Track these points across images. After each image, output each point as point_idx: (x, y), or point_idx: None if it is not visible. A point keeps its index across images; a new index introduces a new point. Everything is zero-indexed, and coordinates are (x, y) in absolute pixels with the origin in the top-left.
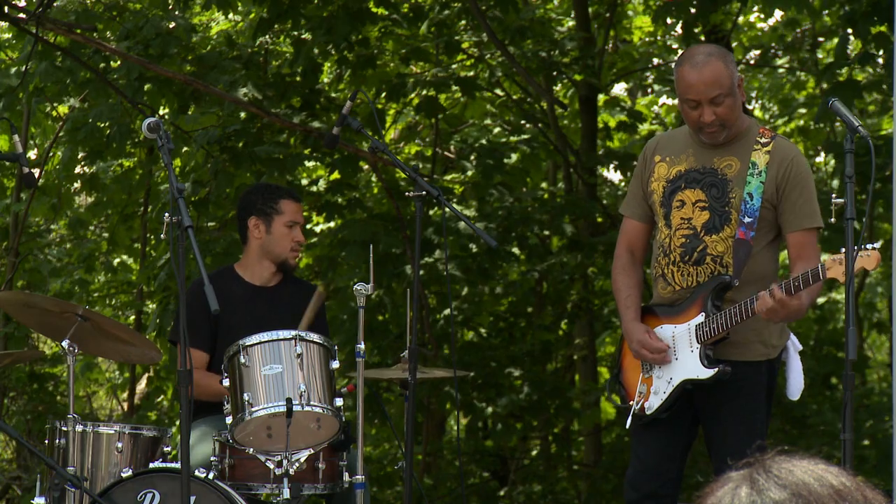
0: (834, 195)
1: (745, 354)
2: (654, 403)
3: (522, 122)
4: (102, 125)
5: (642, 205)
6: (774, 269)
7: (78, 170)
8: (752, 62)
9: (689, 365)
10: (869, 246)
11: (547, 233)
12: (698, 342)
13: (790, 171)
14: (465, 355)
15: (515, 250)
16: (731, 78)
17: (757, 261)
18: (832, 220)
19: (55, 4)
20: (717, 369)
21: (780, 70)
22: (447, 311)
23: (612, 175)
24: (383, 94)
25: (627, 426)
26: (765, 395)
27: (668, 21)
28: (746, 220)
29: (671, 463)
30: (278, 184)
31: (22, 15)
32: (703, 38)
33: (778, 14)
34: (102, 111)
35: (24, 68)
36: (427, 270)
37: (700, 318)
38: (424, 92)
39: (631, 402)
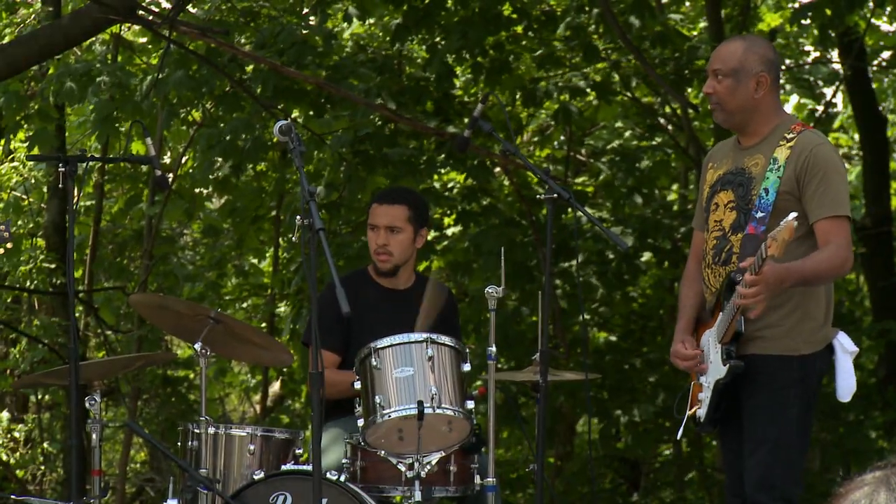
0: None
1: (770, 349)
2: (703, 410)
3: (653, 122)
4: (237, 139)
5: (703, 215)
6: None
7: (212, 175)
8: (884, 64)
9: (717, 366)
10: (790, 216)
11: (679, 235)
12: (719, 342)
13: (808, 162)
14: (599, 359)
15: (646, 255)
16: (741, 62)
17: (785, 256)
18: None
19: (190, 9)
20: (728, 365)
21: None
22: (581, 316)
23: None
24: (518, 100)
25: (678, 437)
26: (798, 391)
27: (804, 22)
28: (759, 214)
29: None
30: (399, 186)
31: (153, 18)
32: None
33: None
34: (238, 126)
35: (157, 74)
36: (562, 275)
37: (720, 317)
38: (561, 97)
39: (690, 412)
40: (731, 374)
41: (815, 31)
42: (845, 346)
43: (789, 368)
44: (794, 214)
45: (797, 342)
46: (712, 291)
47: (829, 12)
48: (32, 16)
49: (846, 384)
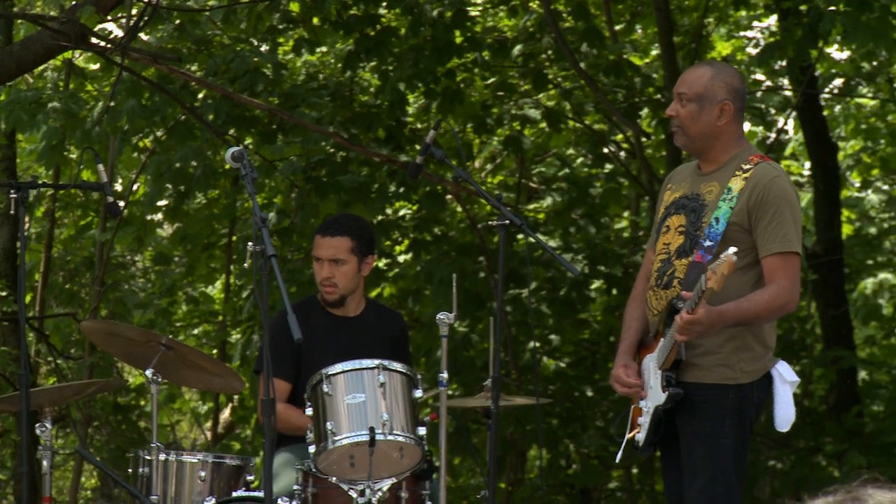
0: None
1: (706, 377)
2: (642, 435)
3: (605, 151)
4: (188, 166)
5: (655, 236)
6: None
7: (162, 202)
8: (835, 91)
9: (657, 392)
10: (729, 250)
11: (629, 262)
12: (659, 368)
13: (761, 196)
14: (549, 385)
15: (597, 283)
16: (707, 89)
17: (728, 283)
18: None
19: (143, 37)
20: (667, 393)
21: (864, 100)
22: (532, 343)
23: None
24: (469, 126)
25: (617, 460)
26: (733, 421)
27: (774, 63)
28: (707, 243)
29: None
30: (343, 215)
31: (105, 44)
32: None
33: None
34: (188, 153)
35: (109, 102)
36: (513, 302)
37: (661, 343)
38: (514, 124)
39: (629, 435)
40: (672, 401)
41: (779, 65)
42: (784, 376)
43: (725, 397)
44: (733, 249)
45: (735, 371)
46: (654, 314)
47: (790, 52)
48: None
49: (784, 414)
